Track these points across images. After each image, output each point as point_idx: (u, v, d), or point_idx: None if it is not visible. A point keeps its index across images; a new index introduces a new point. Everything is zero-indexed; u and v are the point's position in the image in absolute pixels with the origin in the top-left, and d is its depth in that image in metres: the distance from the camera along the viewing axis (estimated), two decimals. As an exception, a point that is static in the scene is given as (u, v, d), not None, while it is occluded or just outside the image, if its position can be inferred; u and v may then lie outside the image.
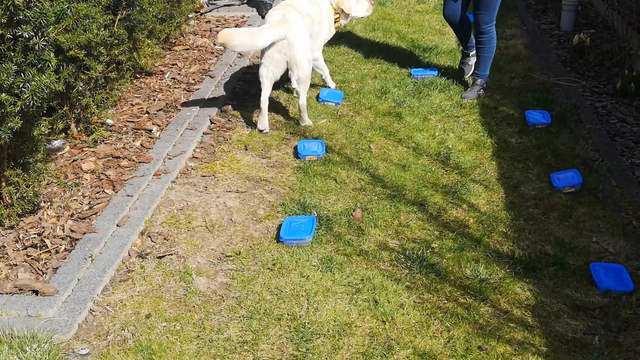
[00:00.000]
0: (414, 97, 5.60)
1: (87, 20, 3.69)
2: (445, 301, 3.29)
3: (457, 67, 6.20)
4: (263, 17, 7.16)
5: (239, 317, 3.15)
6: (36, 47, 3.04)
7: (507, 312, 3.22)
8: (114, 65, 4.55)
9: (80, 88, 4.08)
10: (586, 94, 5.73)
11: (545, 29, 7.51)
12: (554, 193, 4.23)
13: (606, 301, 3.27)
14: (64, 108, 4.10)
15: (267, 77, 4.89)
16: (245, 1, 7.72)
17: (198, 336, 3.03)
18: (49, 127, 3.64)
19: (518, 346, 3.00)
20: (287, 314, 3.17)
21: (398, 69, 6.22)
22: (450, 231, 3.86)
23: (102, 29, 4.08)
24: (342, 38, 6.95)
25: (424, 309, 3.23)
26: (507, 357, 2.93)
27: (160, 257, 3.55)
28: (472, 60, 6.03)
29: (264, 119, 4.90)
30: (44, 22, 3.03)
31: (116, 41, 4.40)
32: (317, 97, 5.51)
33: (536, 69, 6.25)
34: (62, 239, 3.56)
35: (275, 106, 5.38)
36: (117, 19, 4.43)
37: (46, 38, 3.09)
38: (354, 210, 4.00)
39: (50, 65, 3.13)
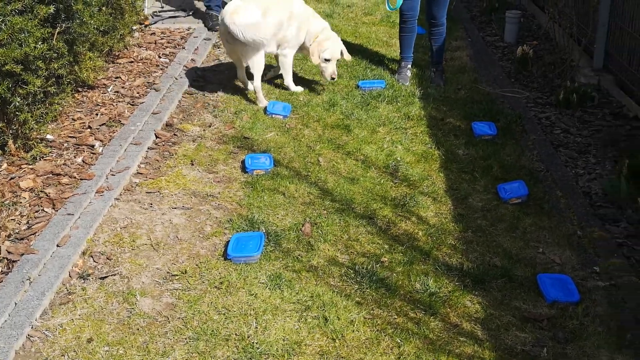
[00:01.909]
0: (362, 109, 5.60)
1: (23, 34, 3.55)
2: (396, 316, 3.27)
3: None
4: (210, 29, 7.10)
5: (185, 338, 3.06)
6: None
7: (457, 325, 3.21)
8: (54, 79, 4.40)
9: (17, 103, 3.94)
10: (530, 105, 5.82)
11: (489, 41, 7.61)
12: (501, 204, 4.26)
13: (553, 312, 3.29)
14: (0, 124, 3.95)
15: (231, 58, 5.75)
16: (191, 13, 7.62)
17: (142, 360, 2.94)
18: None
19: (468, 360, 2.99)
20: (235, 334, 3.10)
21: (346, 80, 6.22)
22: (399, 244, 3.84)
23: (40, 43, 3.95)
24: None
25: (374, 325, 3.20)
26: (458, 372, 2.92)
27: (102, 278, 3.43)
28: (409, 72, 6.31)
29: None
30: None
31: (55, 55, 4.27)
32: (265, 110, 5.45)
33: (482, 81, 6.32)
34: (-1, 261, 3.42)
35: (222, 119, 5.30)
36: (56, 32, 4.30)
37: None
38: (303, 225, 3.95)
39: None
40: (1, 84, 3.60)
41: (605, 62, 6.11)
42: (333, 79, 5.77)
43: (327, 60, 5.66)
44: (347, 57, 5.88)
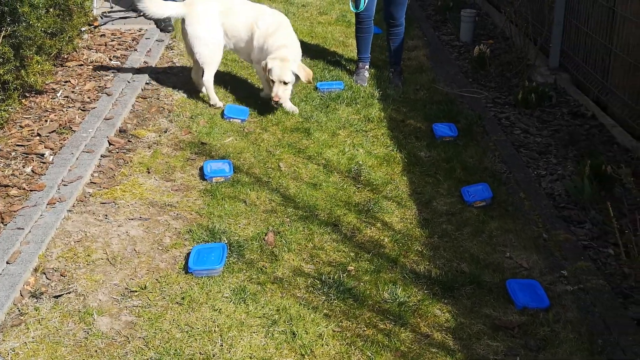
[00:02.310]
0: (322, 112, 5.50)
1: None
2: (365, 328, 3.18)
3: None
4: (162, 30, 6.90)
5: (147, 359, 2.92)
6: None
7: (428, 336, 3.14)
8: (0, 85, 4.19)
9: (-39, 112, 3.73)
10: (489, 105, 5.80)
11: (445, 40, 7.59)
12: (465, 208, 4.21)
13: (524, 319, 3.25)
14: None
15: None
16: (142, 13, 7.38)
17: (102, 384, 2.78)
18: None
19: (441, 373, 2.92)
20: (200, 352, 2.97)
21: (304, 82, 6.09)
22: (365, 252, 3.76)
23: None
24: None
25: (344, 338, 3.10)
26: (431, 386, 2.85)
27: (56, 297, 3.26)
28: (367, 73, 6.24)
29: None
30: None
31: (1, 60, 4.05)
32: (222, 114, 5.31)
33: (440, 80, 6.28)
34: (-56, 281, 3.22)
35: (178, 123, 5.14)
36: (1, 36, 4.09)
37: None
38: (265, 235, 3.84)
39: None
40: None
41: (561, 61, 6.14)
42: (275, 102, 5.29)
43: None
44: (305, 79, 5.38)
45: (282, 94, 5.26)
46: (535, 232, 3.95)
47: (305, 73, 5.33)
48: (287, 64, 5.19)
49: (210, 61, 5.41)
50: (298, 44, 5.50)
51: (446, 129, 5.22)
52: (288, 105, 5.46)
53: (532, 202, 4.24)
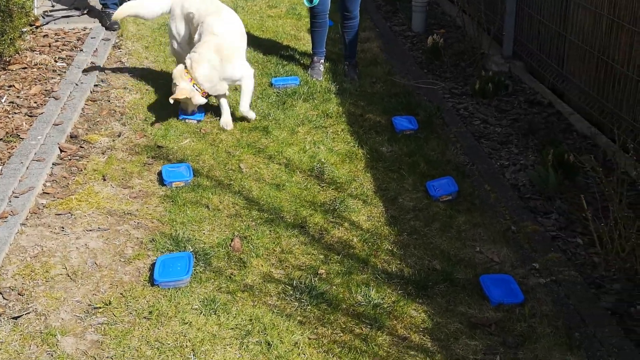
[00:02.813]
0: (279, 109, 5.38)
1: None
2: (341, 334, 3.10)
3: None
4: (107, 28, 6.68)
5: (118, 380, 2.79)
6: None
7: (406, 338, 3.08)
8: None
9: None
10: (446, 95, 5.79)
11: (397, 31, 7.55)
12: (431, 203, 4.17)
13: (500, 315, 3.22)
14: None
15: None
16: (85, 12, 7.14)
17: (71, 410, 2.64)
18: None
19: (422, 376, 2.87)
20: (172, 370, 2.85)
21: (258, 78, 5.96)
22: (335, 253, 3.68)
23: None
24: (196, 48, 6.59)
25: (320, 346, 3.02)
26: (414, 390, 2.79)
27: (15, 318, 3.09)
28: (322, 67, 6.15)
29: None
30: None
31: (-59, 67, 3.83)
32: (178, 114, 5.14)
33: (395, 73, 6.23)
34: None
35: (132, 126, 4.96)
36: (-59, 42, 3.86)
37: None
38: (232, 240, 3.72)
39: None
40: None
41: (515, 49, 6.16)
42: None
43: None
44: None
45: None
46: (504, 224, 3.93)
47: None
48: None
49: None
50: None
51: (406, 122, 5.17)
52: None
53: (497, 194, 4.23)
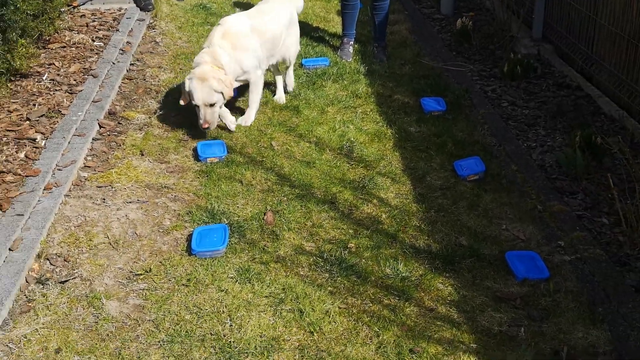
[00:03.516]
0: (309, 89, 5.50)
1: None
2: (370, 304, 3.23)
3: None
4: (142, 9, 6.82)
5: (159, 341, 2.94)
6: None
7: (433, 309, 3.20)
8: (-13, 70, 4.13)
9: (-48, 99, 3.67)
10: (475, 78, 5.85)
11: (426, 13, 7.61)
12: (459, 182, 4.26)
13: (525, 290, 3.32)
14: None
15: None
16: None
17: (116, 368, 2.80)
18: None
19: (448, 345, 2.98)
20: (210, 333, 2.99)
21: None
22: (364, 228, 3.80)
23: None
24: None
25: (350, 315, 3.15)
26: (440, 358, 2.91)
27: (62, 282, 3.25)
28: (352, 49, 6.24)
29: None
30: None
31: (-11, 44, 4.00)
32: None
33: (424, 55, 6.31)
34: (-53, 271, 3.19)
35: (167, 104, 5.11)
36: (-11, 20, 4.03)
37: None
38: (264, 214, 3.86)
39: None
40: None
41: (544, 32, 6.19)
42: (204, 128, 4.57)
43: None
44: (230, 127, 4.78)
45: (211, 118, 4.54)
46: (530, 203, 4.02)
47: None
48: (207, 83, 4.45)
49: None
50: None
51: (434, 103, 5.26)
52: (228, 121, 4.79)
53: (524, 174, 4.31)
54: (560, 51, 5.89)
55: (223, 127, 4.76)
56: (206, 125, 4.49)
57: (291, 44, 5.30)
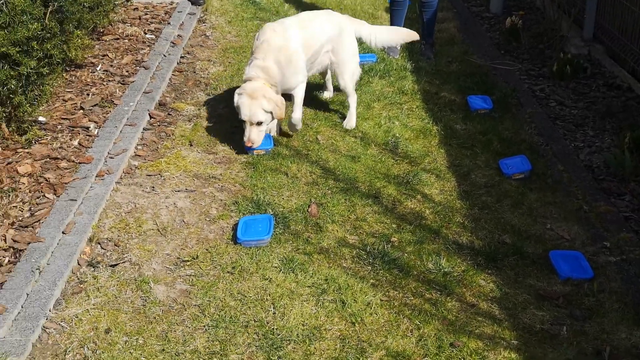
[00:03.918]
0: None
1: (25, 16, 3.41)
2: (412, 297, 3.26)
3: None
4: (193, 3, 6.94)
5: (204, 326, 3.02)
6: (-29, 48, 2.79)
7: (474, 305, 3.22)
8: (46, 59, 4.26)
9: (12, 86, 3.80)
10: (523, 77, 5.81)
11: (475, 12, 7.57)
12: (504, 180, 4.26)
13: (568, 289, 3.31)
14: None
15: None
16: (173, -14, 7.41)
17: (163, 349, 2.89)
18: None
19: (489, 341, 3.00)
20: (254, 320, 3.06)
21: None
22: (407, 223, 3.82)
23: (34, 23, 3.81)
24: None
25: (392, 307, 3.18)
26: (480, 353, 2.93)
27: (112, 266, 3.36)
28: (399, 45, 6.23)
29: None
30: (-21, 20, 2.77)
31: (48, 35, 4.12)
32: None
33: (472, 53, 6.29)
34: (5, 250, 3.32)
35: (216, 97, 5.20)
36: (49, 11, 4.15)
37: (-18, 38, 2.83)
38: (309, 206, 3.91)
39: (-14, 66, 2.88)
40: (2, 70, 3.45)
41: (595, 32, 6.11)
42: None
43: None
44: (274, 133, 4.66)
45: (256, 137, 4.37)
46: (576, 203, 4.00)
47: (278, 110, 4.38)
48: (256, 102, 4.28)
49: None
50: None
51: (481, 101, 5.24)
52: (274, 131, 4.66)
53: (571, 174, 4.28)
54: (612, 52, 5.81)
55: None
56: (249, 144, 4.33)
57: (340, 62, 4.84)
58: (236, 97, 4.38)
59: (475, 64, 6.03)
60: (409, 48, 6.32)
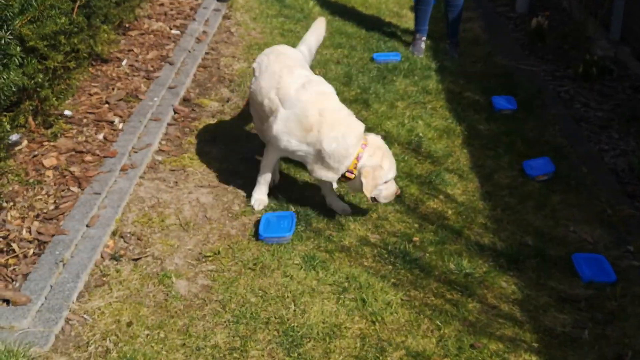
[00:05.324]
0: (379, 83, 5.52)
1: (54, 11, 3.45)
2: (433, 298, 3.25)
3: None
4: (218, 0, 6.96)
5: (225, 321, 3.04)
6: (2, 41, 2.82)
7: (495, 307, 3.21)
8: (73, 54, 4.30)
9: (39, 80, 3.84)
10: (548, 78, 5.77)
11: (500, 12, 7.52)
12: (527, 181, 4.23)
13: (590, 293, 3.29)
14: (25, 103, 3.85)
15: None
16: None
17: (184, 344, 2.91)
18: (10, 123, 3.42)
19: (510, 343, 2.99)
20: (275, 317, 3.08)
21: (360, 53, 6.13)
22: (429, 223, 3.82)
23: (62, 17, 3.85)
24: (300, 23, 6.80)
25: (412, 307, 3.18)
26: (501, 355, 2.92)
27: (135, 260, 3.39)
28: (424, 45, 6.23)
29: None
30: (9, 14, 2.81)
31: (75, 29, 4.17)
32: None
33: (496, 53, 6.25)
34: (30, 242, 3.36)
35: (240, 93, 5.22)
36: (77, 5, 4.19)
37: (12, 31, 2.86)
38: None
39: (16, 60, 2.91)
40: (30, 63, 3.49)
41: (622, 34, 6.05)
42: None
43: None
44: None
45: None
46: (599, 206, 3.97)
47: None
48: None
49: None
50: None
51: (505, 101, 5.22)
52: None
53: (595, 176, 4.25)
54: (639, 54, 5.75)
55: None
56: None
57: None
58: None
59: (500, 64, 6.00)
60: (433, 47, 6.30)
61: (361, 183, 3.54)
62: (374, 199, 3.68)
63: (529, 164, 4.35)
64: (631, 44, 5.90)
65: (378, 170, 3.56)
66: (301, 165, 4.24)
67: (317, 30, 4.47)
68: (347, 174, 3.60)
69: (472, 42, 6.53)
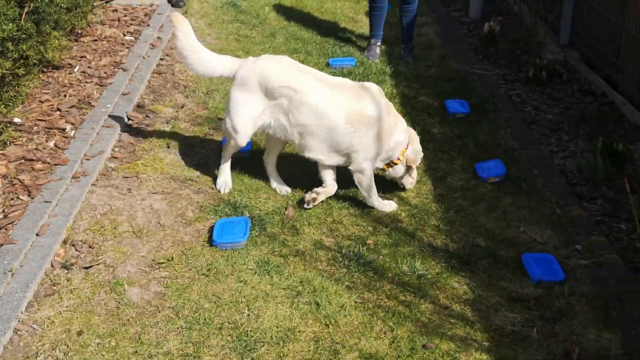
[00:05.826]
0: (334, 88, 5.53)
1: (0, 17, 3.40)
2: (386, 299, 3.28)
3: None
4: (173, 5, 6.93)
5: (178, 328, 3.02)
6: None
7: (447, 307, 3.25)
8: (22, 60, 4.24)
9: (-14, 87, 3.79)
10: (500, 82, 5.87)
11: (454, 17, 7.63)
12: (479, 183, 4.30)
13: (540, 292, 3.35)
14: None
15: None
16: (153, -11, 7.40)
17: (136, 352, 2.88)
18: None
19: (461, 342, 3.03)
20: (228, 322, 3.07)
21: (316, 58, 6.16)
22: (383, 226, 3.85)
23: (9, 23, 3.79)
24: (256, 27, 6.81)
25: (366, 309, 3.20)
26: (452, 355, 2.95)
27: (87, 268, 3.35)
28: (379, 50, 6.30)
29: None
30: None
31: (24, 35, 4.10)
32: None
33: (450, 57, 6.33)
34: (-23, 252, 3.30)
35: (194, 99, 5.20)
36: (25, 12, 4.13)
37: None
38: (286, 209, 3.92)
39: (-41, 67, 2.86)
40: (-25, 70, 3.43)
41: (571, 39, 6.18)
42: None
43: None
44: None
45: None
46: (549, 207, 4.04)
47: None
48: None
49: None
50: None
51: (458, 105, 5.29)
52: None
53: (545, 178, 4.33)
54: (587, 58, 5.89)
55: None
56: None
57: None
58: None
59: (454, 68, 6.08)
60: (388, 52, 6.36)
61: None
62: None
63: (481, 166, 4.42)
64: (579, 48, 6.03)
65: None
66: (258, 169, 4.24)
67: None
68: None
69: (426, 47, 6.61)
